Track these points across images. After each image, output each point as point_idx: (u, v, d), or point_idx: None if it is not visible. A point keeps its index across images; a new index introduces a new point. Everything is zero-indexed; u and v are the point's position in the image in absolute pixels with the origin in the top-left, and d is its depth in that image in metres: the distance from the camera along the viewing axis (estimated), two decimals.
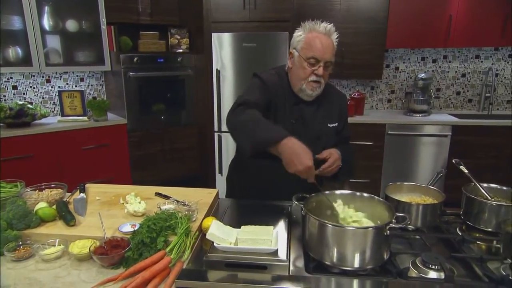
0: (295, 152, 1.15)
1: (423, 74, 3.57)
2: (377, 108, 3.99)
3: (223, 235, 1.11)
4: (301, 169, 1.14)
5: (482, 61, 3.72)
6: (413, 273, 1.05)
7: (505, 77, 3.72)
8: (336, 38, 1.44)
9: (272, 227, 1.17)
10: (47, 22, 3.00)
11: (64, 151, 2.99)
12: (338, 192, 1.25)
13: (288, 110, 1.49)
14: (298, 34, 1.46)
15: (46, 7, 2.97)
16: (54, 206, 1.34)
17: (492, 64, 3.70)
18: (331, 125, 1.55)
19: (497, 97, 3.76)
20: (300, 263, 1.11)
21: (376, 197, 1.19)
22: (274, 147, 1.19)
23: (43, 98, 3.35)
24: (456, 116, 3.47)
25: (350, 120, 3.43)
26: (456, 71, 3.78)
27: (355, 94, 3.63)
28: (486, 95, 3.71)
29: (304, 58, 1.41)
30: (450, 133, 3.32)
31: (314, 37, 1.40)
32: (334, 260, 1.05)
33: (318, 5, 3.44)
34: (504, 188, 1.35)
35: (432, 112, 3.69)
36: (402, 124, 3.39)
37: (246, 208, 1.47)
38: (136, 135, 3.34)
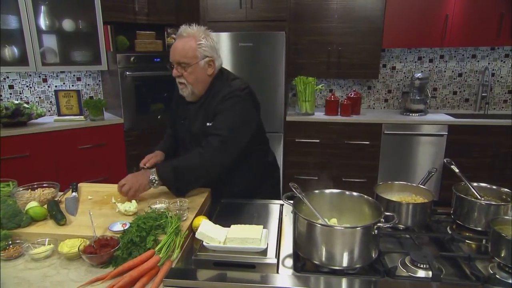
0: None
1: (419, 74, 3.57)
2: (374, 108, 3.99)
3: (212, 234, 1.12)
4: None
5: (478, 61, 3.72)
6: (401, 272, 1.06)
7: (501, 77, 3.72)
8: (201, 38, 1.50)
9: (261, 226, 1.18)
10: (43, 22, 3.01)
11: (61, 151, 2.99)
12: (327, 191, 1.25)
13: (181, 110, 1.67)
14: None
15: (42, 7, 2.97)
16: (46, 206, 1.34)
17: (489, 63, 3.71)
18: (209, 124, 1.54)
19: (493, 96, 3.76)
20: (289, 262, 1.11)
21: (365, 196, 1.19)
22: None
23: (39, 97, 3.35)
24: (453, 116, 3.48)
25: (347, 119, 3.45)
26: (452, 71, 3.79)
27: (351, 94, 3.64)
28: (483, 94, 3.71)
29: None
30: (447, 133, 3.32)
31: (174, 41, 1.53)
32: (323, 259, 1.05)
33: (314, 4, 3.44)
34: (494, 187, 1.35)
35: (429, 111, 3.69)
36: (399, 123, 3.39)
37: (237, 207, 1.48)
38: (133, 134, 3.34)
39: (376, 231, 1.04)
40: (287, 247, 1.19)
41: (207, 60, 1.52)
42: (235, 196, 1.56)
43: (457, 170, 1.39)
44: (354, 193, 1.21)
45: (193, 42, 1.48)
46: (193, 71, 1.50)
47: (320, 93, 4.01)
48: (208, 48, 1.51)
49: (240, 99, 1.52)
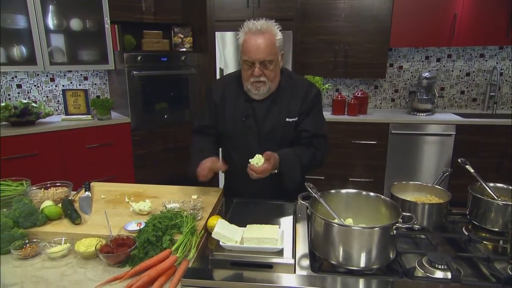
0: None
1: (427, 73, 3.56)
2: (380, 107, 3.98)
3: (229, 234, 1.11)
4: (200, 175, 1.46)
5: (486, 60, 3.70)
6: (419, 272, 1.05)
7: (509, 76, 3.70)
8: (278, 33, 1.44)
9: (277, 226, 1.17)
10: (51, 21, 3.01)
11: (68, 150, 3.00)
12: (343, 191, 1.24)
13: (239, 108, 1.55)
14: (239, 36, 1.47)
15: (50, 6, 2.98)
16: (60, 205, 1.34)
17: (497, 63, 3.68)
18: (290, 120, 1.54)
19: (501, 96, 3.74)
20: (306, 262, 1.11)
21: (382, 197, 1.19)
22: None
23: (47, 96, 3.36)
24: (460, 115, 3.46)
25: (354, 119, 3.43)
26: (460, 70, 3.77)
27: (358, 93, 3.62)
28: (491, 94, 3.69)
29: (242, 61, 1.45)
30: (454, 133, 3.30)
31: (247, 39, 1.41)
32: (340, 259, 1.04)
33: (322, 3, 3.44)
34: (511, 187, 1.34)
35: (436, 111, 3.68)
36: (406, 123, 3.38)
37: (251, 207, 1.47)
38: (139, 133, 3.34)
39: (394, 231, 1.03)
40: (303, 247, 1.19)
41: (281, 54, 1.48)
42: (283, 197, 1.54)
43: (472, 170, 1.38)
44: (371, 193, 1.21)
45: (273, 37, 1.42)
46: (275, 68, 1.46)
47: (327, 92, 4.00)
48: (281, 41, 1.46)
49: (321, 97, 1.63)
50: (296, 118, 1.54)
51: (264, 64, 1.42)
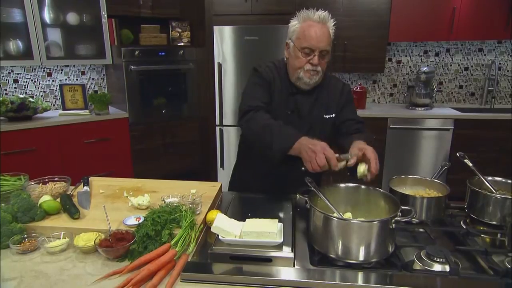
0: (312, 150, 1.20)
1: (425, 68, 3.55)
2: (379, 102, 3.98)
3: (228, 228, 1.11)
4: (322, 163, 1.18)
5: (485, 55, 3.70)
6: (417, 266, 1.05)
7: (508, 71, 3.70)
8: (333, 26, 1.43)
9: (277, 220, 1.17)
10: (47, 15, 2.98)
11: (66, 145, 2.99)
12: (342, 185, 1.24)
13: (284, 100, 1.50)
14: (293, 24, 1.45)
15: (46, 0, 2.95)
16: (58, 199, 1.34)
17: (495, 57, 3.68)
18: (327, 117, 1.54)
19: (500, 90, 3.75)
20: (305, 256, 1.11)
21: (381, 190, 1.19)
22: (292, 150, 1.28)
23: (44, 91, 3.34)
24: (459, 110, 3.46)
25: None
26: (458, 65, 3.76)
27: (357, 88, 3.62)
28: (489, 88, 3.69)
29: (299, 48, 1.41)
30: (453, 127, 3.31)
31: (309, 26, 1.39)
32: (339, 253, 1.05)
33: None
34: (509, 181, 1.35)
35: (435, 105, 3.68)
36: (404, 118, 3.38)
37: (250, 201, 1.47)
38: (137, 128, 3.33)
39: (393, 225, 1.03)
40: (302, 241, 1.19)
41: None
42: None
43: (470, 164, 1.39)
44: (370, 187, 1.21)
45: (329, 29, 1.42)
46: (328, 59, 1.45)
47: None
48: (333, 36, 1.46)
49: None
50: (334, 115, 1.54)
51: (322, 54, 1.41)
